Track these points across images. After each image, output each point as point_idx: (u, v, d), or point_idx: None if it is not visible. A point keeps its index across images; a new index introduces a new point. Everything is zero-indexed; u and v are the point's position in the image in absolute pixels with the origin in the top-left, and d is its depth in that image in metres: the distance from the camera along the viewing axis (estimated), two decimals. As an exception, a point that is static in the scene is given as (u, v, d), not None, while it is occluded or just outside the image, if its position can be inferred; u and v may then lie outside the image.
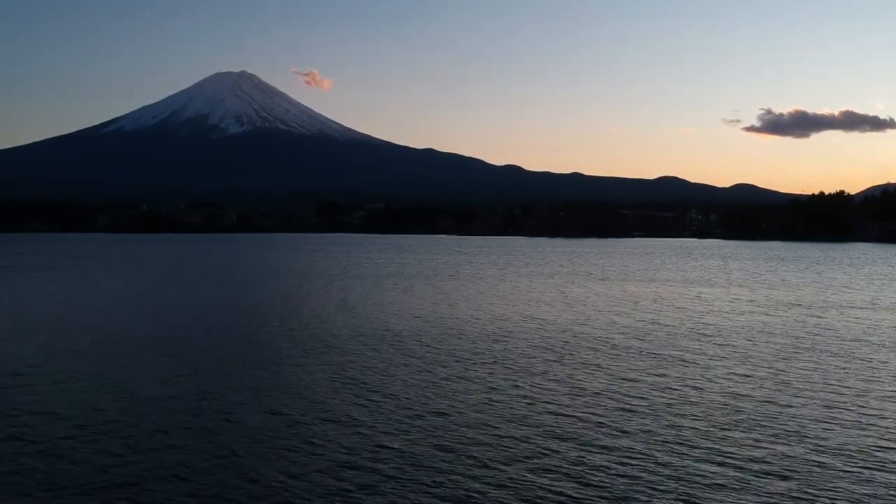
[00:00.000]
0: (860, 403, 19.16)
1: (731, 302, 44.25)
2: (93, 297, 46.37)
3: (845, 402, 19.25)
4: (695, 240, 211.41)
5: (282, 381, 21.45)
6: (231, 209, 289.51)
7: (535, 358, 25.36)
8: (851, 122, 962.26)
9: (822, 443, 15.78)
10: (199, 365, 23.71)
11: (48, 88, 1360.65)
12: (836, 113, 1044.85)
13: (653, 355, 26.02)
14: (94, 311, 39.31)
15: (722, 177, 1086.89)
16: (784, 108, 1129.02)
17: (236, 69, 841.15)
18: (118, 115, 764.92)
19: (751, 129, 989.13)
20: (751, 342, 29.03)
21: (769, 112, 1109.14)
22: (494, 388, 20.75)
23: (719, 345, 28.39)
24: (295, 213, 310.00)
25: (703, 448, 15.41)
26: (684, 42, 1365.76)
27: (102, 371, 22.73)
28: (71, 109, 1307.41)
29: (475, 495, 12.92)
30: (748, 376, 22.49)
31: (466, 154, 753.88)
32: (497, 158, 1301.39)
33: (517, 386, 21.06)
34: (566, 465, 14.37)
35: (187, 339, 29.20)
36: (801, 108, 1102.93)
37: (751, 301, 44.69)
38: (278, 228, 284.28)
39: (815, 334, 31.16)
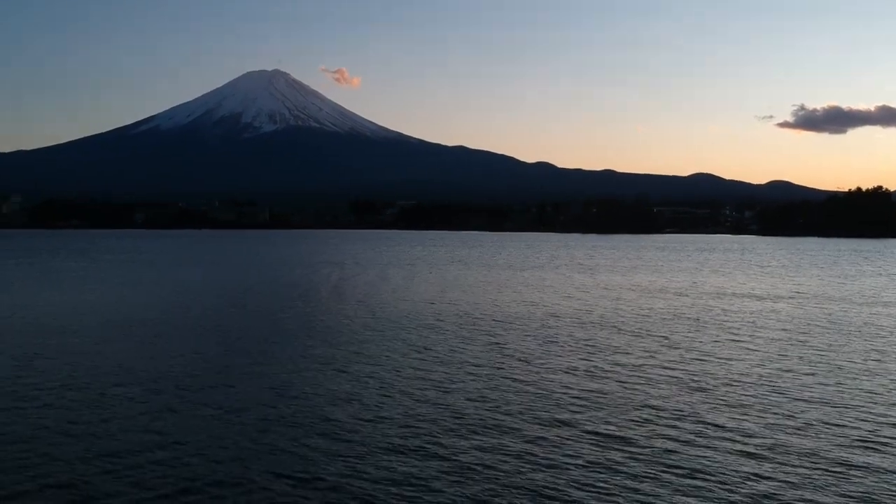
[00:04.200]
0: (866, 378, 19.77)
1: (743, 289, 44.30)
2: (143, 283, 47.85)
3: (849, 376, 19.88)
4: (729, 236, 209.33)
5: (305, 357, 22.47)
6: (264, 206, 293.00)
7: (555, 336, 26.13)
8: (889, 117, 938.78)
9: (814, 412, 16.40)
10: (209, 341, 25.03)
11: (83, 88, 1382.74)
12: (873, 108, 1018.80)
13: (665, 338, 26.78)
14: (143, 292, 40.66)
15: (757, 174, 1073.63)
16: (818, 103, 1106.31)
17: (267, 67, 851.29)
18: (152, 113, 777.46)
19: (784, 125, 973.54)
20: (761, 326, 29.36)
21: (802, 108, 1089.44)
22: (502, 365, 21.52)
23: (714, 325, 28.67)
24: (328, 211, 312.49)
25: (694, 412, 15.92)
26: (716, 38, 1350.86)
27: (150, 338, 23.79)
28: (106, 108, 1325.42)
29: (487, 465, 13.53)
30: (755, 352, 23.22)
31: (498, 151, 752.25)
32: (529, 156, 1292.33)
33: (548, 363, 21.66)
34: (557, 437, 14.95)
35: (211, 315, 30.27)
36: (836, 103, 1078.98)
37: (773, 289, 44.71)
38: (311, 225, 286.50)
39: (836, 316, 31.51)
